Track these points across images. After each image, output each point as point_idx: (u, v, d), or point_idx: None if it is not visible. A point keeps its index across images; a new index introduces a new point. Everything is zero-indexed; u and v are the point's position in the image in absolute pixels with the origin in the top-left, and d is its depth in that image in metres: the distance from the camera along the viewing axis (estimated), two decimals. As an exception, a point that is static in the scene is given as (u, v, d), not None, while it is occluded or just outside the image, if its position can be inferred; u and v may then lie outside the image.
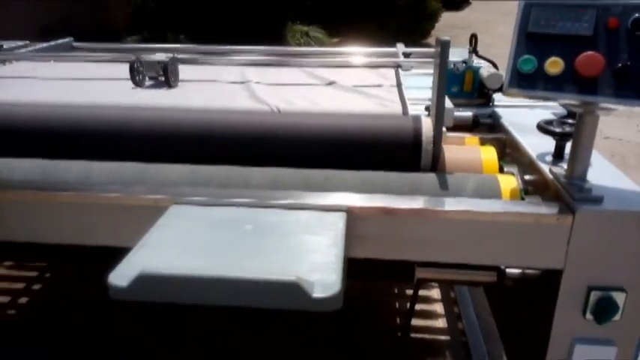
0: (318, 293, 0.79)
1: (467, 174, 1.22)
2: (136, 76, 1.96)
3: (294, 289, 0.79)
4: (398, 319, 2.43)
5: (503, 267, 1.26)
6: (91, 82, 2.04)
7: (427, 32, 9.13)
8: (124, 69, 2.19)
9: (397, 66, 2.26)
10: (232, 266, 0.85)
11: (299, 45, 6.99)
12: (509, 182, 1.18)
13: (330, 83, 1.95)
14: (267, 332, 2.25)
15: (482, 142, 1.52)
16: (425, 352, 2.19)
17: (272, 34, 6.66)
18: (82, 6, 8.23)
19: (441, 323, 2.39)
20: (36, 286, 2.64)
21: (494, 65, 1.74)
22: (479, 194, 1.15)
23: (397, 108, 1.66)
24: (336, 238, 0.95)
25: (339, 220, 1.01)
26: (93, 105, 1.52)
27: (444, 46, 1.16)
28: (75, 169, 1.22)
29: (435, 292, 2.62)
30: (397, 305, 2.53)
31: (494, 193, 1.15)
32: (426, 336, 2.29)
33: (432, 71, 2.20)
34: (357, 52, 2.62)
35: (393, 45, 2.73)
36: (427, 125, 1.24)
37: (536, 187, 1.24)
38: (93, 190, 1.12)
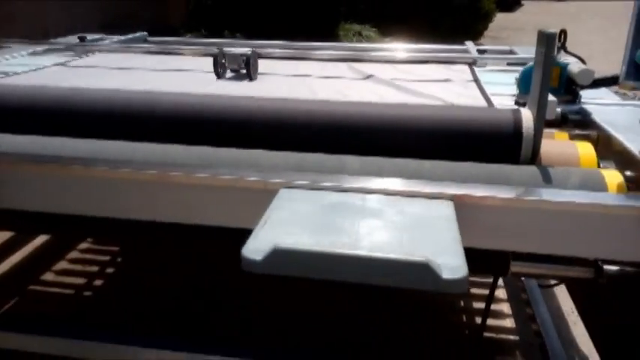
0: (447, 275, 0.80)
1: (569, 168, 1.21)
2: (219, 69, 2.02)
3: (424, 270, 0.80)
4: (464, 317, 2.42)
5: (600, 263, 1.24)
6: (173, 73, 2.11)
7: (480, 33, 9.00)
8: (201, 62, 2.27)
9: (472, 62, 2.25)
10: (362, 245, 0.87)
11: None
12: (614, 177, 1.17)
13: (408, 79, 1.97)
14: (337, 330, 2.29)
15: (572, 138, 1.50)
16: (499, 352, 2.18)
17: (325, 32, 6.71)
18: (140, 3, 8.48)
19: (509, 323, 2.37)
20: (109, 270, 2.76)
21: (582, 61, 1.71)
22: (584, 188, 1.14)
23: (481, 102, 1.66)
24: (450, 225, 0.96)
25: (447, 208, 1.03)
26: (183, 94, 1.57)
27: (550, 39, 1.16)
28: (180, 153, 1.27)
29: (501, 292, 2.59)
30: (462, 304, 2.52)
31: (600, 188, 1.14)
32: (495, 335, 2.27)
33: (502, 68, 2.21)
34: (425, 49, 2.62)
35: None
36: (527, 117, 1.23)
37: (637, 184, 1.22)
38: (205, 172, 1.17)
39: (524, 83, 1.67)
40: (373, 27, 7.83)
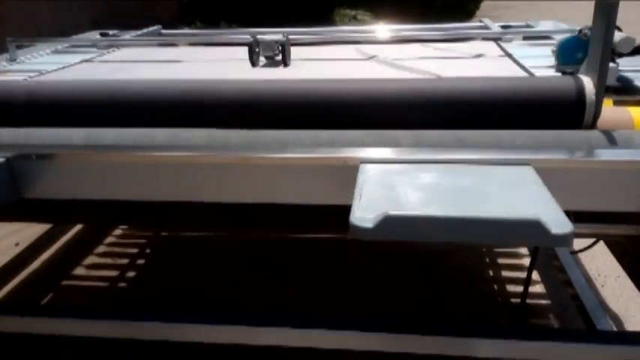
0: (556, 231, 0.85)
1: (630, 130, 1.27)
2: (253, 56, 2.03)
3: (535, 227, 0.85)
4: (495, 286, 2.50)
5: None
6: (208, 64, 2.13)
7: (472, 12, 9.05)
8: (229, 51, 2.29)
9: (497, 38, 2.29)
10: (468, 207, 0.91)
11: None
12: (674, 136, 1.22)
13: (445, 57, 2.01)
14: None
15: (615, 104, 1.55)
16: (536, 317, 2.26)
17: (322, 18, 6.72)
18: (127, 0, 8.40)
19: (539, 289, 2.44)
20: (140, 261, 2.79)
21: (619, 29, 1.75)
22: None
23: (523, 75, 1.70)
24: (539, 187, 1.01)
25: (529, 172, 1.07)
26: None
27: (611, 6, 1.20)
28: (248, 136, 1.29)
29: (527, 261, 2.67)
30: (491, 273, 2.59)
31: (663, 147, 1.19)
32: (529, 301, 2.34)
33: (528, 42, 2.26)
34: (445, 27, 2.65)
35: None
36: (588, 84, 1.28)
37: None
38: (285, 152, 1.21)
39: (562, 54, 1.71)
40: (367, 11, 7.87)
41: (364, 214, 0.92)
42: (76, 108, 1.47)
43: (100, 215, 1.60)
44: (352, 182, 1.15)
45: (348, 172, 1.16)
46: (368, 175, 1.09)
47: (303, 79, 1.44)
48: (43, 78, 1.87)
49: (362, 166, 1.14)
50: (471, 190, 0.99)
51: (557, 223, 0.87)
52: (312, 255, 2.75)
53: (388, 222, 0.89)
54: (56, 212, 1.62)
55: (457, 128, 1.28)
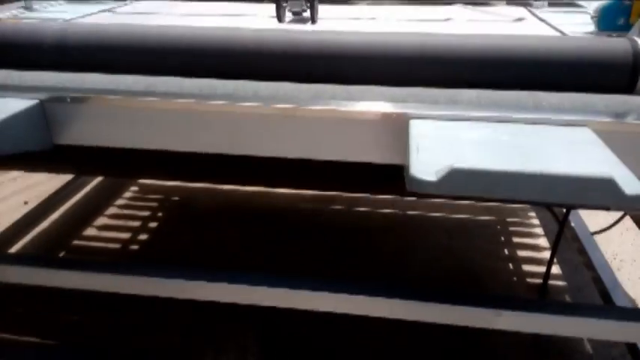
0: (629, 191, 0.79)
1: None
2: (280, 12, 1.96)
3: (609, 186, 0.79)
4: (510, 265, 2.47)
5: None
6: (232, 18, 2.05)
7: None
8: (251, 7, 2.20)
9: (526, 3, 2.22)
10: (536, 164, 0.85)
11: None
12: None
13: (478, 20, 1.95)
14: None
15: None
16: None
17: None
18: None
19: (555, 270, 2.41)
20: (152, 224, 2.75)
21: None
22: None
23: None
24: (602, 148, 0.94)
25: (588, 134, 1.01)
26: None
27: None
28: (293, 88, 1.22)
29: (543, 241, 2.64)
30: (506, 252, 2.56)
31: None
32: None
33: (559, 9, 2.17)
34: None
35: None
36: None
37: None
38: (328, 105, 1.14)
39: (603, 20, 1.65)
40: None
41: (425, 167, 0.86)
42: (114, 52, 1.38)
43: (133, 166, 1.52)
44: (396, 140, 1.10)
45: (394, 129, 1.11)
46: (420, 130, 1.03)
47: (356, 32, 1.36)
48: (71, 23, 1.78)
49: (412, 122, 1.08)
50: (532, 148, 0.93)
51: (629, 183, 0.81)
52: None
53: (453, 175, 0.83)
54: (83, 162, 1.53)
55: (506, 88, 1.21)
